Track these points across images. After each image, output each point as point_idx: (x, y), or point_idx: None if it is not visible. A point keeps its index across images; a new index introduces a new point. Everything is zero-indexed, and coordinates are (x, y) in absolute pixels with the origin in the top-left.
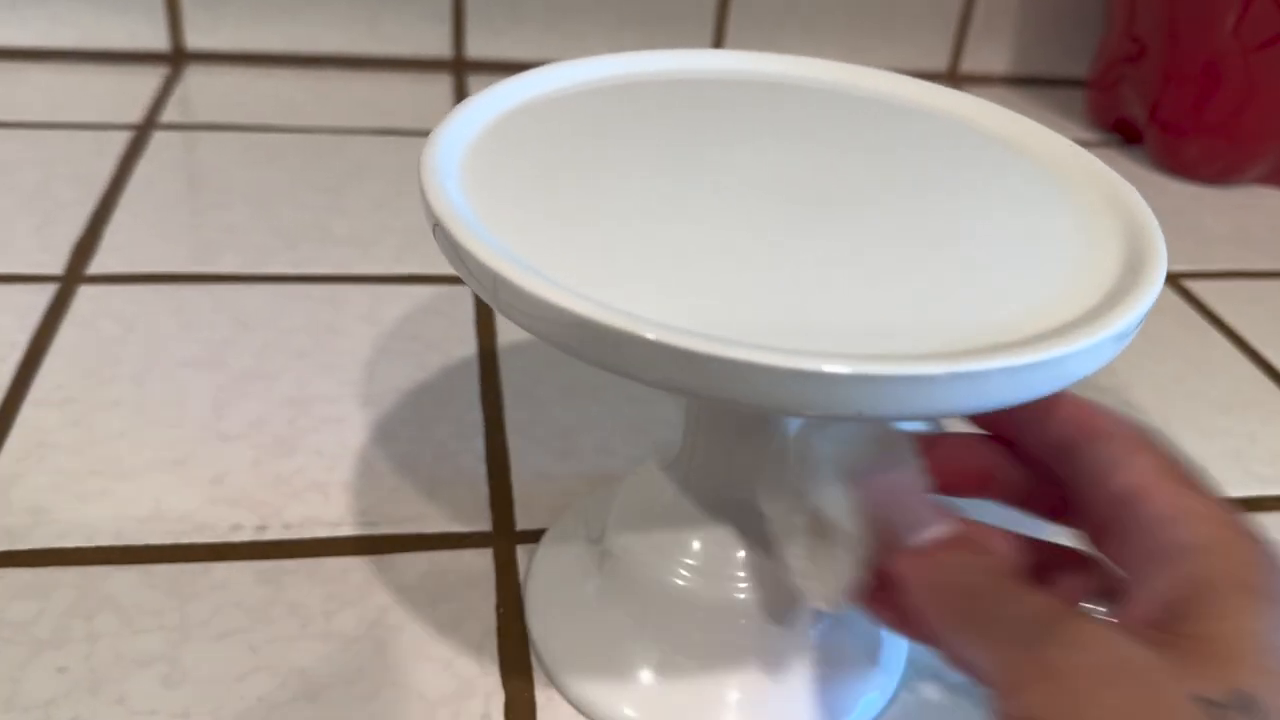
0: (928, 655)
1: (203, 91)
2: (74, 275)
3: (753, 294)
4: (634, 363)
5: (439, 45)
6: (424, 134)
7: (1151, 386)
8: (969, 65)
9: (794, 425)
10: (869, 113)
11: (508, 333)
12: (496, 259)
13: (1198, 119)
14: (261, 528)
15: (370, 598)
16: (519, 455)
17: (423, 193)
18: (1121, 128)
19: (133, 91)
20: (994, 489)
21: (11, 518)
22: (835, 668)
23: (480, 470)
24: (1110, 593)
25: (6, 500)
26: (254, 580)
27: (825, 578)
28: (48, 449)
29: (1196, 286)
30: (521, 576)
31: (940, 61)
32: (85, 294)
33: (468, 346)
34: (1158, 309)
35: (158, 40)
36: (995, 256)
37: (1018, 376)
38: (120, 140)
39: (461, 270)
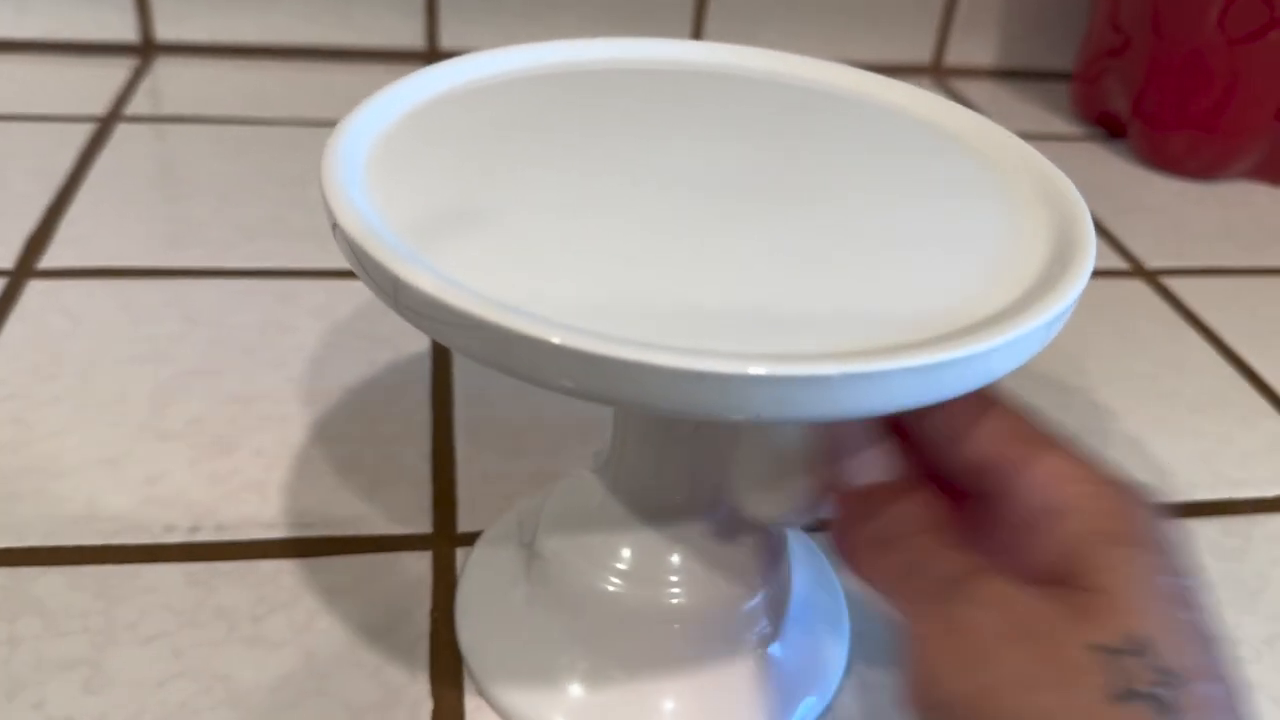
0: (867, 662)
1: (172, 83)
2: (24, 269)
3: (664, 293)
4: (522, 364)
5: (412, 36)
6: None
7: (1124, 386)
8: (953, 58)
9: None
10: (802, 103)
11: None
12: (397, 260)
13: (1181, 113)
14: (195, 529)
15: (301, 601)
16: (466, 455)
17: (321, 188)
18: (1106, 121)
19: (100, 83)
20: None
21: None
22: (772, 673)
23: (425, 470)
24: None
25: None
26: (184, 582)
27: (778, 498)
28: None
29: (1175, 284)
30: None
31: (923, 54)
32: (35, 288)
33: (420, 343)
34: (1134, 305)
35: (127, 31)
36: (918, 251)
37: (919, 377)
38: (83, 132)
39: (359, 272)
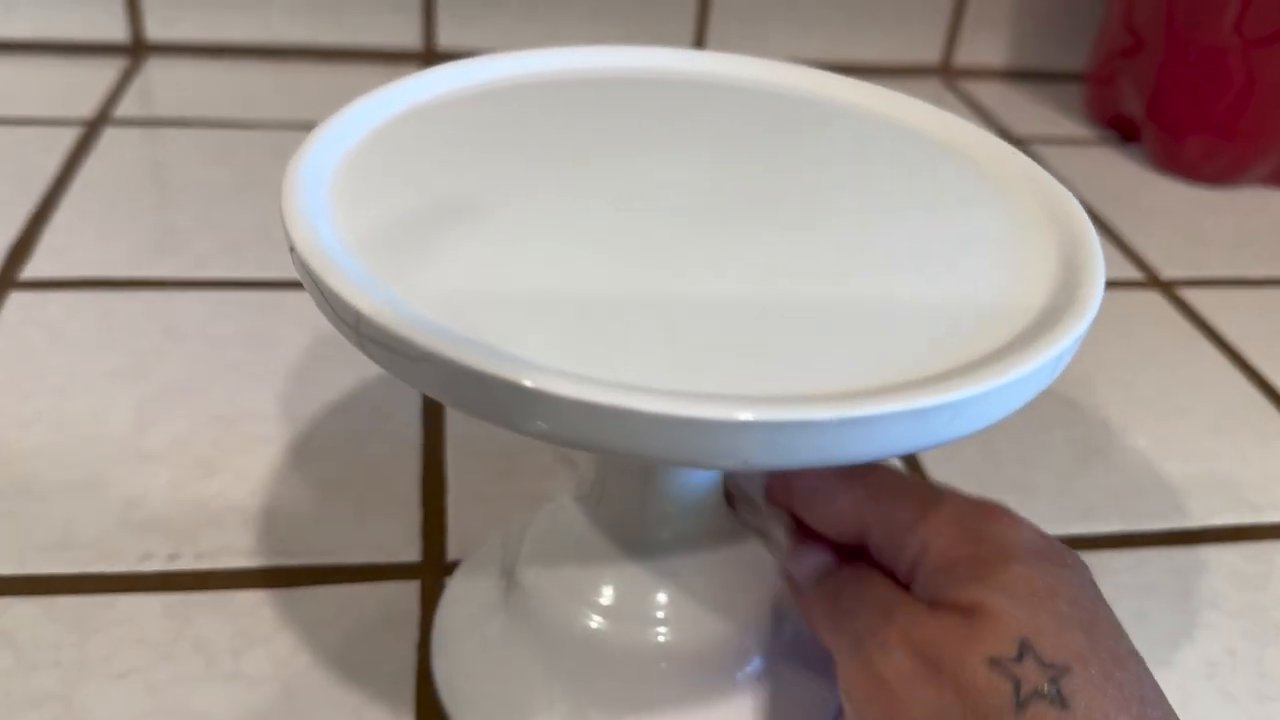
0: None
1: (163, 84)
2: (5, 281)
3: (646, 326)
4: (491, 406)
5: (408, 36)
6: None
7: (1138, 403)
8: (963, 58)
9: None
10: (791, 114)
11: None
12: (358, 292)
13: (1197, 116)
14: (173, 556)
15: (281, 635)
16: (458, 477)
17: (281, 212)
18: (1119, 124)
19: (89, 85)
20: None
21: None
22: (763, 713)
23: (414, 494)
24: None
25: None
26: (161, 614)
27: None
28: None
29: (1191, 295)
30: None
31: (933, 54)
32: (15, 301)
33: None
34: (1148, 317)
35: (117, 31)
36: (915, 277)
37: (916, 420)
38: (70, 136)
39: (319, 302)
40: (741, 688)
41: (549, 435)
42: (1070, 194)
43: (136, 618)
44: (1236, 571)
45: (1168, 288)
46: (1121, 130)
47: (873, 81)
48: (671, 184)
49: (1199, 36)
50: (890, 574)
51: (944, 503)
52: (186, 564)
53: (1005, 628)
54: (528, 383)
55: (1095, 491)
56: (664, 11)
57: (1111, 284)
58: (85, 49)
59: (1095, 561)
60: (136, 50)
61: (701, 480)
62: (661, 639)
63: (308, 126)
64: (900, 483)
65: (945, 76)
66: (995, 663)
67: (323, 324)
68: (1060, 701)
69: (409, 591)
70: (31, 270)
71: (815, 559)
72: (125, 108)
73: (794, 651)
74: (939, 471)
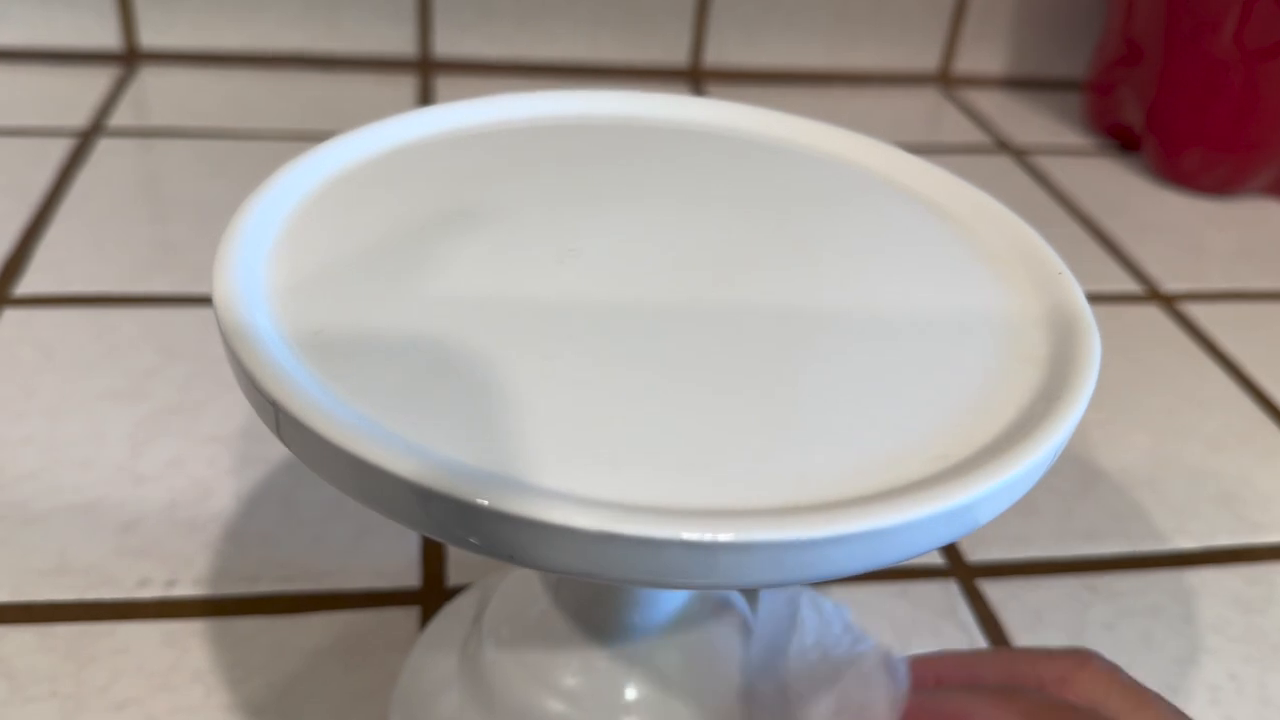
0: None
1: (156, 93)
2: None
3: (595, 418)
4: (408, 514)
5: (404, 44)
6: None
7: (1138, 421)
8: (962, 66)
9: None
10: (767, 168)
11: None
12: (280, 383)
13: (1197, 127)
14: (171, 583)
15: (280, 663)
16: None
17: (212, 286)
18: (1119, 134)
19: (81, 93)
20: None
21: None
22: None
23: None
24: None
25: None
26: (159, 642)
27: None
28: None
29: (1193, 309)
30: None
31: (931, 62)
32: (8, 318)
33: None
34: (1148, 332)
35: (109, 39)
36: (878, 367)
37: (850, 547)
38: (63, 147)
39: (244, 387)
40: None
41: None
42: (1071, 279)
43: (134, 647)
44: (1237, 594)
45: (1169, 301)
46: (1121, 140)
47: (871, 90)
48: (629, 242)
49: (1199, 47)
50: None
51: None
52: (184, 590)
53: None
54: (430, 484)
55: (1098, 513)
56: (661, 20)
57: (1112, 298)
58: (77, 57)
59: (1100, 584)
60: (130, 58)
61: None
62: None
63: (303, 136)
64: (1059, 711)
65: (944, 85)
66: None
67: None
68: None
69: (409, 618)
70: (25, 287)
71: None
72: (119, 117)
73: None
74: None
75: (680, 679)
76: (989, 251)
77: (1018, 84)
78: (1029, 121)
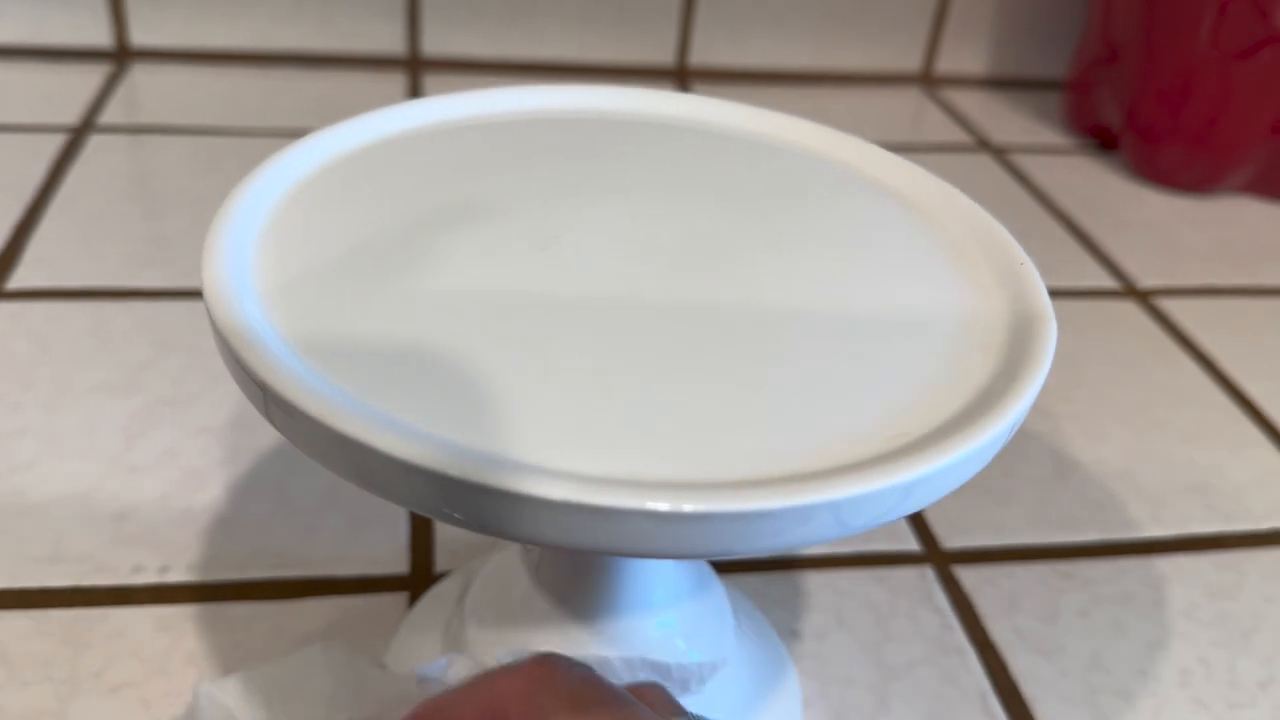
0: None
1: (148, 91)
2: None
3: (556, 398)
4: (388, 486)
5: (393, 42)
6: None
7: (1114, 413)
8: (944, 66)
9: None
10: (745, 162)
11: None
12: (269, 366)
13: (1174, 126)
14: (165, 569)
15: (273, 648)
16: None
17: (201, 272)
18: (1098, 133)
19: (73, 91)
20: None
21: None
22: None
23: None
24: None
25: None
26: (154, 627)
27: None
28: None
29: (1168, 304)
30: None
31: (914, 62)
32: (3, 311)
33: None
34: (1125, 327)
35: (101, 36)
36: (843, 354)
37: (799, 518)
38: (55, 143)
39: (234, 371)
40: None
41: (461, 523)
42: (1027, 259)
43: (129, 631)
44: (1208, 580)
45: (1144, 297)
46: (1100, 139)
47: (854, 90)
48: (609, 235)
49: (1176, 48)
50: None
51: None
52: (178, 576)
53: None
54: (412, 459)
55: (1073, 502)
56: (648, 19)
57: (1089, 294)
58: (69, 54)
59: (1074, 570)
60: (121, 56)
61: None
62: None
63: (293, 133)
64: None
65: (926, 85)
66: None
67: None
68: None
69: (398, 603)
70: (18, 280)
71: None
72: (110, 114)
73: (751, 706)
74: None
75: (655, 656)
76: (953, 243)
77: (998, 84)
78: (1009, 121)
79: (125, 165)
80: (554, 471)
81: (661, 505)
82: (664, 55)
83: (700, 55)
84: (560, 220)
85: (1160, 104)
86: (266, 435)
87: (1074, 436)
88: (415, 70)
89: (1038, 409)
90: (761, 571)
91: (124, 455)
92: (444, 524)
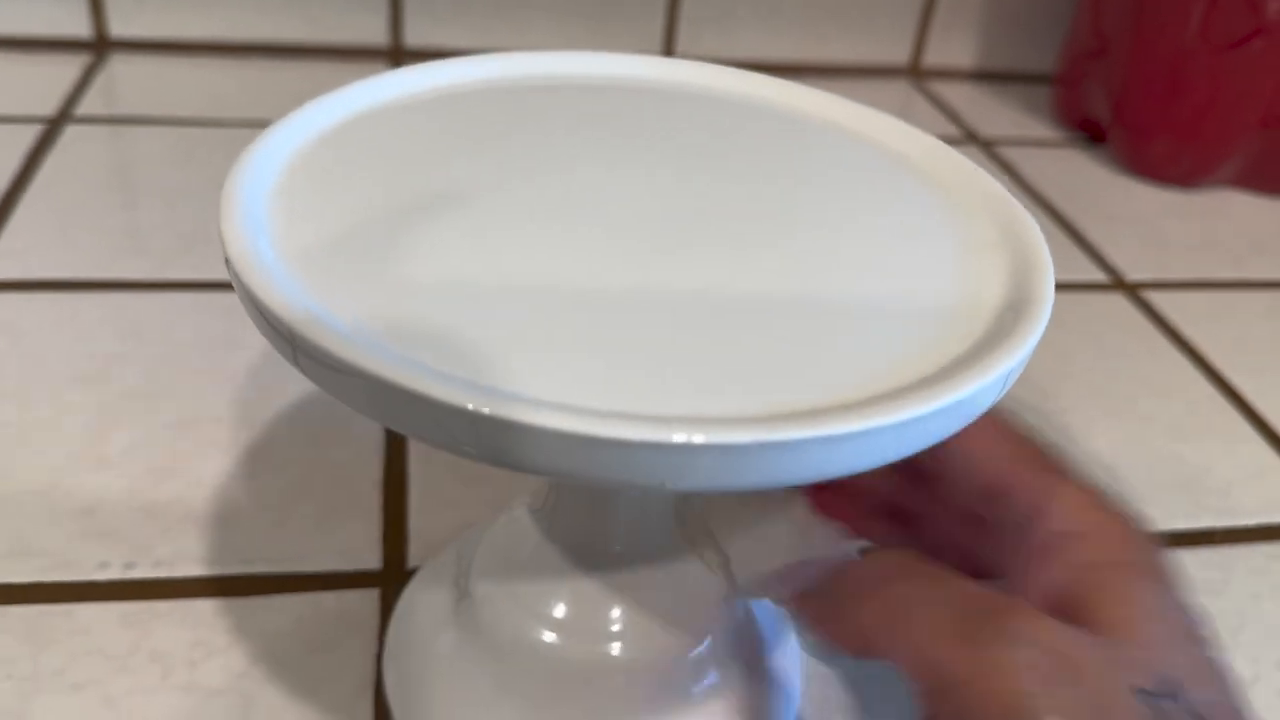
0: (820, 712)
1: (126, 82)
2: None
3: (581, 345)
4: (419, 424)
5: (375, 33)
6: None
7: (1100, 408)
8: (932, 59)
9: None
10: (746, 125)
11: None
12: (293, 312)
13: (1163, 119)
14: (130, 565)
15: (240, 645)
16: (421, 481)
17: (219, 223)
18: (1087, 126)
19: (50, 82)
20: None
21: None
22: None
23: (375, 498)
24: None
25: None
26: (118, 624)
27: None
28: None
29: (1156, 297)
30: None
31: (901, 54)
32: None
33: None
34: (1113, 320)
35: (79, 27)
36: (854, 302)
37: (830, 448)
38: (31, 134)
39: (256, 319)
40: (698, 702)
41: (480, 456)
42: (1028, 216)
43: (93, 628)
44: (1195, 576)
45: (1133, 290)
46: (1089, 132)
47: (842, 82)
48: (624, 196)
49: (1165, 41)
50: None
51: (1099, 497)
52: (144, 572)
53: (1152, 658)
54: (466, 402)
55: None
56: (634, 11)
57: (1077, 286)
58: (46, 45)
59: None
60: (99, 46)
61: (655, 496)
62: (615, 654)
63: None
64: (1049, 456)
65: (914, 77)
66: (1141, 692)
67: None
68: None
69: (369, 599)
70: None
71: (809, 571)
72: (87, 105)
73: (752, 664)
74: None
75: (661, 605)
76: (944, 188)
77: (987, 77)
78: (998, 114)
79: (102, 156)
80: (568, 406)
81: (678, 436)
82: (650, 47)
83: (686, 47)
84: (588, 186)
85: (1149, 97)
86: (239, 427)
87: (1061, 430)
88: (398, 62)
89: (1024, 403)
90: None
91: (91, 449)
92: (416, 516)
